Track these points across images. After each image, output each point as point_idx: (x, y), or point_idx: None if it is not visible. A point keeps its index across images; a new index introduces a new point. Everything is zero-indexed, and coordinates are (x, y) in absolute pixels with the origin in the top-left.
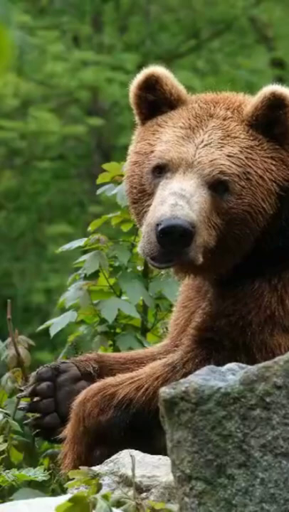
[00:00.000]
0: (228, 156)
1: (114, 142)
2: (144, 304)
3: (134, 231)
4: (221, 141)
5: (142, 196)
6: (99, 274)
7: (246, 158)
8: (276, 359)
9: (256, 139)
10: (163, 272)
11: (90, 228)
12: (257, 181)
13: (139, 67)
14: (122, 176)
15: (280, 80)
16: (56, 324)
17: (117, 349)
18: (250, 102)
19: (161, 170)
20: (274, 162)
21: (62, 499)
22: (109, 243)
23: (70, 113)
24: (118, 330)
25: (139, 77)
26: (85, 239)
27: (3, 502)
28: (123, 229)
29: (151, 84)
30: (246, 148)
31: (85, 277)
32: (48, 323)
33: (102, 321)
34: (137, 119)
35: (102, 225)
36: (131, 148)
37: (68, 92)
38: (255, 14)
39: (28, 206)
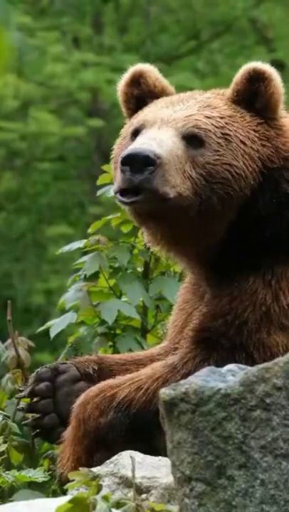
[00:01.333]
0: (206, 116)
1: (114, 143)
2: (144, 305)
3: (134, 232)
4: (200, 108)
5: None
6: (99, 276)
7: (226, 123)
8: (276, 360)
9: (238, 112)
10: (147, 242)
11: (90, 230)
12: (238, 144)
13: None
14: None
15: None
16: (56, 325)
17: (117, 350)
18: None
19: (137, 133)
20: (258, 135)
21: (63, 500)
22: (109, 244)
23: (70, 114)
24: (118, 331)
25: (125, 75)
26: (85, 240)
27: (3, 503)
28: (123, 230)
29: (136, 80)
30: (227, 116)
31: (85, 278)
32: (48, 324)
33: (102, 322)
34: (125, 116)
35: (102, 226)
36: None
37: (68, 93)
38: (256, 15)
39: (28, 207)
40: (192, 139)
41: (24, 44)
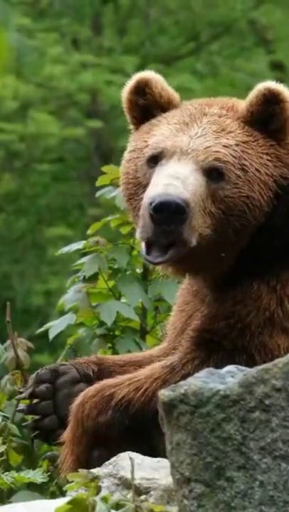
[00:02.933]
0: (224, 146)
1: (114, 145)
2: (143, 307)
3: (134, 233)
4: (216, 134)
5: (137, 189)
6: (98, 277)
7: (242, 151)
8: (275, 361)
9: (251, 135)
10: (161, 271)
11: (89, 231)
12: (254, 173)
13: (139, 70)
14: None
15: (280, 83)
16: (55, 327)
17: (116, 351)
18: (245, 100)
19: (155, 160)
20: (270, 158)
21: (62, 501)
22: (108, 246)
23: (69, 115)
24: (117, 332)
25: (130, 82)
26: (84, 241)
27: (2, 504)
28: (122, 231)
29: (141, 88)
30: (242, 142)
31: (84, 280)
32: (47, 325)
33: (101, 323)
34: (130, 124)
35: (102, 227)
36: (126, 151)
37: (68, 94)
38: (255, 17)
39: (28, 208)
40: (212, 173)
41: (23, 45)
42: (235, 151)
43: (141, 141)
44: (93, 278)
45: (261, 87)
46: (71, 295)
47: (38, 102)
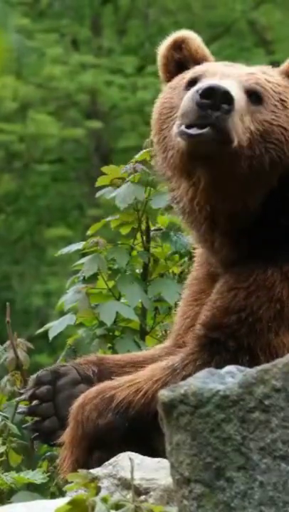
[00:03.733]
0: (266, 79)
1: (114, 145)
2: (142, 307)
3: (133, 234)
4: (258, 71)
5: (171, 111)
6: (98, 277)
7: (283, 91)
8: (275, 362)
9: None
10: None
11: (89, 232)
12: None
13: (138, 70)
14: (120, 178)
15: None
16: (55, 327)
17: (115, 352)
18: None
19: (195, 82)
20: None
21: (61, 502)
22: (108, 246)
23: (69, 116)
24: (117, 333)
25: (167, 40)
26: (84, 242)
27: (2, 505)
28: (122, 232)
29: (178, 44)
30: (284, 85)
31: (84, 280)
32: (46, 326)
33: (101, 324)
34: (162, 80)
35: (101, 228)
36: (159, 96)
37: (67, 94)
38: (255, 17)
39: (27, 209)
40: (253, 94)
41: (23, 46)
42: (276, 87)
43: (178, 79)
44: (93, 278)
45: None
46: (71, 295)
47: (38, 103)
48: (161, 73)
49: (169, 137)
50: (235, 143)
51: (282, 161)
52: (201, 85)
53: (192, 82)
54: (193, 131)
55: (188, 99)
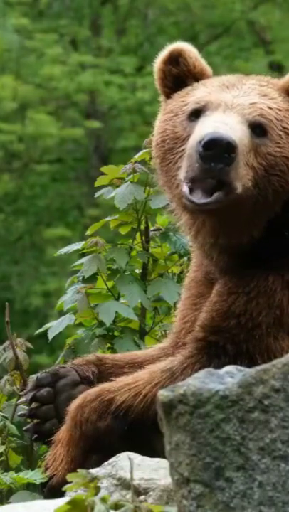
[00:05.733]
0: (268, 107)
1: (113, 145)
2: (142, 307)
3: (132, 234)
4: (259, 96)
5: (175, 143)
6: (97, 277)
7: (284, 116)
8: (274, 362)
9: None
10: (191, 228)
11: (88, 232)
12: None
13: (138, 70)
14: (120, 178)
15: None
16: (54, 327)
17: (115, 352)
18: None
19: (198, 114)
20: None
21: (61, 502)
22: (107, 246)
23: (68, 116)
24: (116, 333)
25: (164, 52)
26: (83, 242)
27: (1, 505)
28: (121, 232)
29: (175, 58)
30: (285, 109)
31: (83, 280)
32: (46, 326)
33: (100, 324)
34: (161, 94)
35: (100, 228)
36: (157, 119)
37: (66, 94)
38: (254, 17)
39: (26, 209)
40: (257, 128)
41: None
42: (278, 114)
43: (178, 102)
44: (92, 278)
45: None
46: (70, 296)
47: (37, 103)
48: (158, 87)
49: (174, 173)
50: (239, 189)
51: (284, 190)
52: (202, 133)
53: (195, 113)
54: (198, 199)
55: (192, 148)
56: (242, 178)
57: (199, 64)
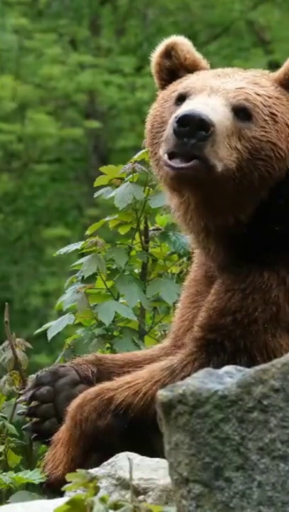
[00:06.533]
0: (256, 93)
1: (112, 145)
2: (141, 307)
3: (132, 234)
4: (249, 83)
5: (161, 126)
6: (96, 277)
7: (273, 103)
8: (274, 362)
9: (284, 96)
10: (180, 213)
11: (87, 232)
12: (282, 126)
13: (137, 70)
14: (119, 178)
15: None
16: (54, 327)
17: (114, 352)
18: (283, 65)
19: (183, 98)
20: None
21: (60, 502)
22: (106, 246)
23: (67, 116)
24: (115, 333)
25: (159, 46)
26: (83, 242)
27: (0, 505)
28: (120, 232)
29: (169, 51)
30: (275, 97)
31: (83, 280)
32: (45, 326)
33: (100, 324)
34: (157, 86)
35: (100, 227)
36: (152, 108)
37: (66, 94)
38: (253, 17)
39: (26, 209)
40: (241, 112)
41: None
42: (266, 100)
43: (170, 90)
44: (91, 278)
45: None
46: (69, 296)
47: (36, 103)
48: (156, 80)
49: (159, 154)
50: (220, 167)
51: (271, 175)
52: (179, 111)
53: (181, 98)
54: (176, 163)
55: (170, 125)
56: (223, 158)
57: (191, 56)
